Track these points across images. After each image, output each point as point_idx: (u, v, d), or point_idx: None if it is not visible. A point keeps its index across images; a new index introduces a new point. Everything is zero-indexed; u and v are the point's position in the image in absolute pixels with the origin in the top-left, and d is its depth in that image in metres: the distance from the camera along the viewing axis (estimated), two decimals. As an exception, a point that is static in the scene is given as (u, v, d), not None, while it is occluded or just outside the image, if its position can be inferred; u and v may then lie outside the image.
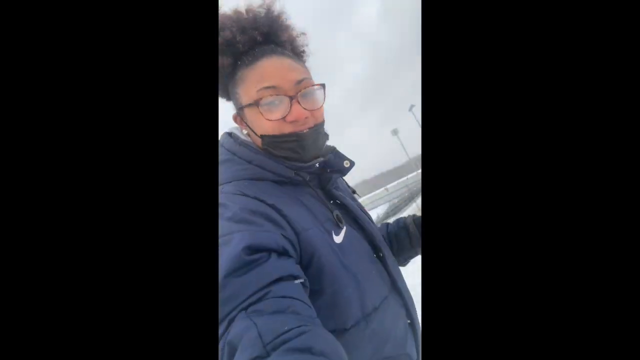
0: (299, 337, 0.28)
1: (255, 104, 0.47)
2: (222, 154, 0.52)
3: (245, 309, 0.32)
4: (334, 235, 0.49)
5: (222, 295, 0.34)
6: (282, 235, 0.41)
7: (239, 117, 0.53)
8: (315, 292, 0.42)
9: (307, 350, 0.27)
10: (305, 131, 0.48)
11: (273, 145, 0.49)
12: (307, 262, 0.43)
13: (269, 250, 0.38)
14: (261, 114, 0.47)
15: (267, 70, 0.48)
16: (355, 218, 0.55)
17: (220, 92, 0.54)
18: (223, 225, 0.40)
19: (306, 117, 0.48)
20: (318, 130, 0.50)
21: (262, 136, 0.49)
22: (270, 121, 0.47)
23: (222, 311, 0.33)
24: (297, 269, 0.39)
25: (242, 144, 0.52)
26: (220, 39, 0.47)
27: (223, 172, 0.50)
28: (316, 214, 0.49)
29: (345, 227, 0.50)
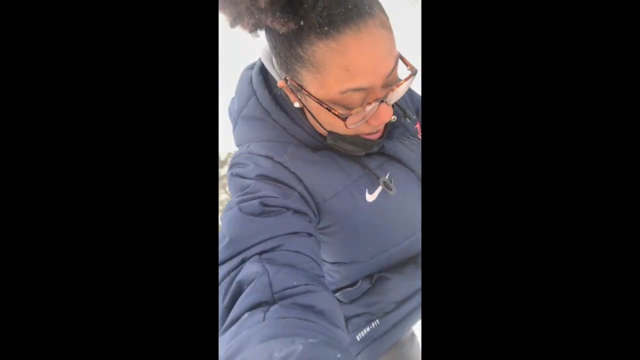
0: (305, 294, 0.29)
1: (340, 115, 0.35)
2: (255, 109, 0.43)
3: (260, 254, 0.33)
4: (366, 194, 0.45)
5: (234, 231, 0.35)
6: (301, 196, 0.41)
7: (294, 94, 0.40)
8: (329, 248, 0.45)
9: (310, 307, 0.29)
10: (379, 137, 0.44)
11: (339, 139, 0.41)
12: (327, 229, 0.44)
13: (286, 208, 0.38)
14: (343, 120, 0.36)
15: (356, 60, 0.32)
16: (401, 160, 0.47)
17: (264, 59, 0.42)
18: (243, 184, 0.40)
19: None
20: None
21: (329, 132, 0.41)
22: (346, 127, 0.37)
23: (233, 247, 0.34)
24: (312, 229, 0.39)
25: (280, 104, 0.43)
26: None
27: (254, 128, 0.44)
28: (349, 172, 0.45)
29: (380, 186, 0.45)
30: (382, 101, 0.36)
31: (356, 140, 0.42)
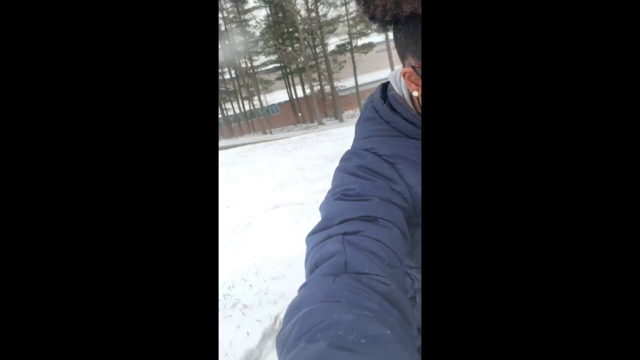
0: (373, 281, 0.31)
1: None
2: (369, 112, 0.50)
3: (343, 234, 0.36)
4: None
5: (325, 211, 0.40)
6: (392, 188, 0.43)
7: (413, 76, 0.43)
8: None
9: (374, 289, 0.30)
10: None
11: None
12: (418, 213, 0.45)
13: (376, 196, 0.41)
14: None
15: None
16: None
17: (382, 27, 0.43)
18: (339, 176, 0.44)
19: None
20: None
21: None
22: None
23: (322, 224, 0.39)
24: (401, 220, 0.41)
25: (390, 104, 0.49)
26: None
27: (365, 127, 0.50)
28: None
29: None
30: None
31: None
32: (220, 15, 22.08)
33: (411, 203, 0.45)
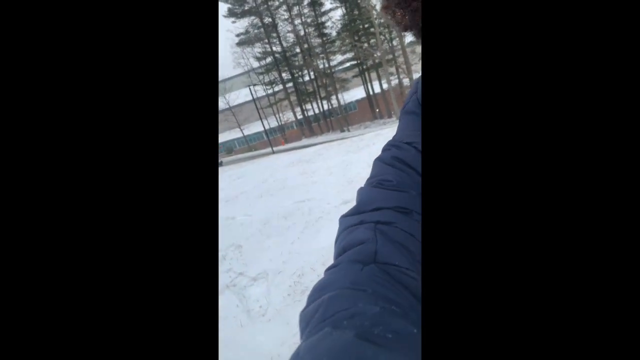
0: (401, 274, 0.32)
1: None
2: (412, 104, 0.50)
3: (376, 223, 0.37)
4: None
5: (360, 197, 0.41)
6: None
7: None
8: None
9: (401, 284, 0.31)
10: None
11: None
12: None
13: (409, 190, 0.42)
14: None
15: None
16: None
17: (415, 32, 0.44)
18: (377, 165, 0.46)
19: None
20: None
21: None
22: None
23: (356, 208, 0.40)
24: None
25: None
26: None
27: (408, 120, 0.49)
28: None
29: None
30: None
31: None
32: (299, 20, 23.13)
33: None
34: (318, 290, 0.30)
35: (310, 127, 26.69)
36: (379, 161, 0.47)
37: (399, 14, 0.41)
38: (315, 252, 2.62)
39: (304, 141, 21.69)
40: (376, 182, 0.43)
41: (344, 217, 0.40)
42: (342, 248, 0.35)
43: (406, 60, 17.80)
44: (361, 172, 4.71)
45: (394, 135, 0.50)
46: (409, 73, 17.71)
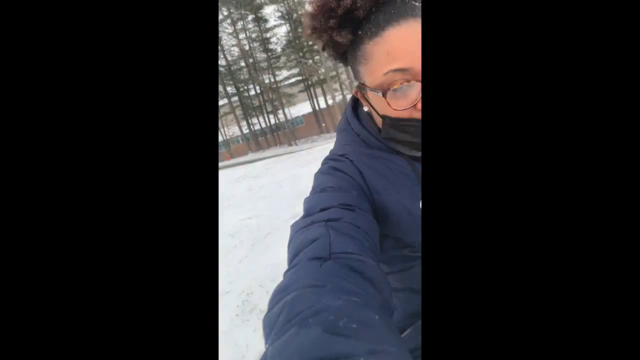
0: (357, 262, 0.33)
1: (382, 91, 0.41)
2: (343, 123, 0.56)
3: (326, 221, 0.39)
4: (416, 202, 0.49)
5: (308, 204, 0.44)
6: (361, 188, 0.48)
7: (360, 92, 0.49)
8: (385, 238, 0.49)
9: (360, 273, 0.32)
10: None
11: (394, 126, 0.44)
12: (381, 227, 0.48)
13: (353, 189, 0.46)
14: (387, 103, 0.41)
15: (394, 45, 0.39)
16: None
17: (340, 60, 0.49)
18: (317, 177, 0.50)
19: None
20: None
21: (383, 116, 0.45)
22: (396, 110, 0.42)
23: (306, 212, 0.43)
24: (372, 212, 0.45)
25: (358, 118, 0.54)
26: (339, 10, 0.40)
27: (340, 137, 0.56)
28: (400, 176, 0.50)
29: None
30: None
31: (410, 122, 0.43)
32: (243, 35, 23.05)
33: (372, 204, 0.48)
34: (280, 292, 0.30)
35: (257, 141, 26.39)
36: (319, 173, 0.51)
37: (323, 39, 0.44)
38: (264, 269, 2.57)
39: (250, 156, 21.34)
40: (319, 189, 0.46)
41: (294, 224, 0.42)
42: (297, 249, 0.36)
43: (349, 76, 18.62)
44: (309, 185, 4.75)
45: (330, 151, 0.55)
46: (351, 90, 18.49)
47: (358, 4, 0.40)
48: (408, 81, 0.40)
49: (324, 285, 0.29)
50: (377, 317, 0.26)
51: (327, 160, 0.53)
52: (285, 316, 0.27)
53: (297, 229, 0.41)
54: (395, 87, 0.40)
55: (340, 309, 0.26)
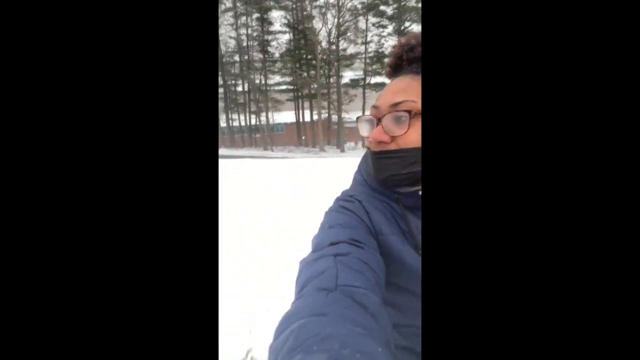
0: (362, 295, 0.34)
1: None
2: (358, 166, 0.62)
3: (335, 255, 0.40)
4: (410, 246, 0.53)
5: (318, 238, 0.45)
6: (369, 228, 0.49)
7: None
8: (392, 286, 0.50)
9: (363, 307, 0.33)
10: (375, 151, 0.49)
11: (368, 156, 0.54)
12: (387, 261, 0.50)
13: (362, 228, 0.48)
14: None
15: (385, 89, 0.50)
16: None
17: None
18: (328, 215, 0.52)
19: (381, 141, 0.48)
20: (392, 156, 0.48)
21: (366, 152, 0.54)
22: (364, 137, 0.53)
23: (315, 246, 0.44)
24: (378, 250, 0.47)
25: (367, 162, 0.58)
26: (412, 54, 0.50)
27: (353, 180, 0.61)
28: (393, 224, 0.53)
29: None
30: (379, 119, 0.48)
31: (371, 155, 0.51)
32: (244, 31, 22.91)
33: (377, 245, 0.50)
34: (286, 321, 0.31)
35: (233, 138, 25.86)
36: (329, 211, 0.53)
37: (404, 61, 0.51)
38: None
39: (223, 151, 20.80)
40: (328, 226, 0.47)
41: (302, 259, 0.43)
42: (305, 281, 0.37)
43: (339, 98, 19.01)
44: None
45: (342, 192, 0.59)
46: (338, 110, 18.87)
47: (404, 57, 0.51)
48: (375, 116, 0.49)
49: (329, 314, 0.30)
50: (379, 349, 0.27)
51: (338, 200, 0.56)
52: (291, 344, 0.27)
53: (306, 263, 0.42)
54: (363, 117, 0.53)
55: (344, 338, 0.27)
